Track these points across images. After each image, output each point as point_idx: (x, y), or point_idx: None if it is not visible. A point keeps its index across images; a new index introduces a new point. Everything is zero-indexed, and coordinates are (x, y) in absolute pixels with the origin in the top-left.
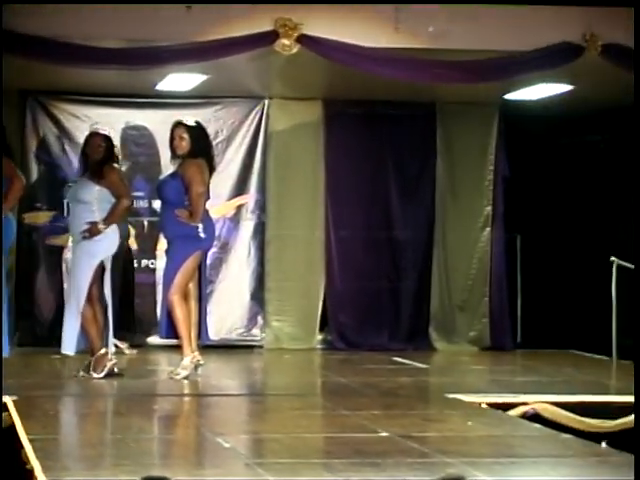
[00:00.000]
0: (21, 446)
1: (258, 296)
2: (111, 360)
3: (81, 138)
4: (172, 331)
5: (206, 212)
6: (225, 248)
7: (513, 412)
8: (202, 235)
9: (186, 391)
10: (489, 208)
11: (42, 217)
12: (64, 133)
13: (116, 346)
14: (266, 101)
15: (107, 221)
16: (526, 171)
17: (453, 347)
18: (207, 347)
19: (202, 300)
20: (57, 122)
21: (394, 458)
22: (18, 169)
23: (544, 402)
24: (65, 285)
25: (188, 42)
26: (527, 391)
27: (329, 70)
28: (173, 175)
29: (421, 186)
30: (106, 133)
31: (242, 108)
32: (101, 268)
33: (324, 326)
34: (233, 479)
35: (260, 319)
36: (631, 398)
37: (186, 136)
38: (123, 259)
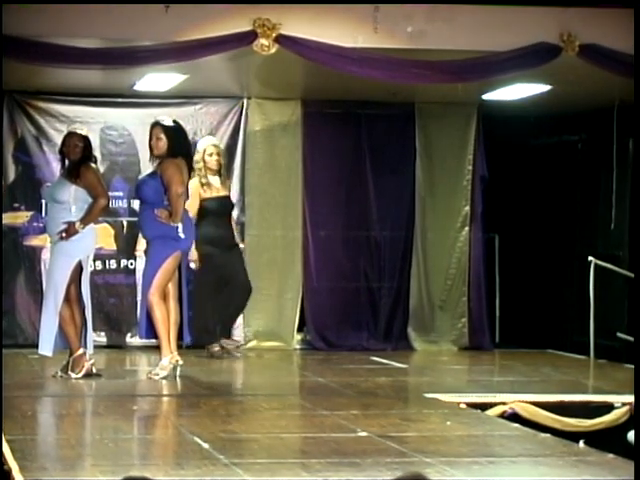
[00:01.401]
0: None
1: None
2: (89, 360)
3: (59, 138)
4: (152, 331)
5: (185, 212)
6: None
7: (491, 412)
8: (181, 235)
9: (165, 391)
10: (467, 208)
11: (20, 217)
12: (42, 133)
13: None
14: (245, 101)
15: (84, 221)
16: (504, 171)
17: (432, 347)
18: (186, 347)
19: (182, 300)
20: (35, 122)
21: (373, 458)
22: None
23: (522, 402)
24: (43, 285)
25: (166, 42)
26: (505, 391)
27: (308, 70)
28: (152, 175)
29: (400, 186)
30: (83, 133)
31: (221, 108)
32: (79, 268)
33: (303, 326)
34: (211, 479)
35: (239, 319)
36: (608, 397)
37: (163, 136)
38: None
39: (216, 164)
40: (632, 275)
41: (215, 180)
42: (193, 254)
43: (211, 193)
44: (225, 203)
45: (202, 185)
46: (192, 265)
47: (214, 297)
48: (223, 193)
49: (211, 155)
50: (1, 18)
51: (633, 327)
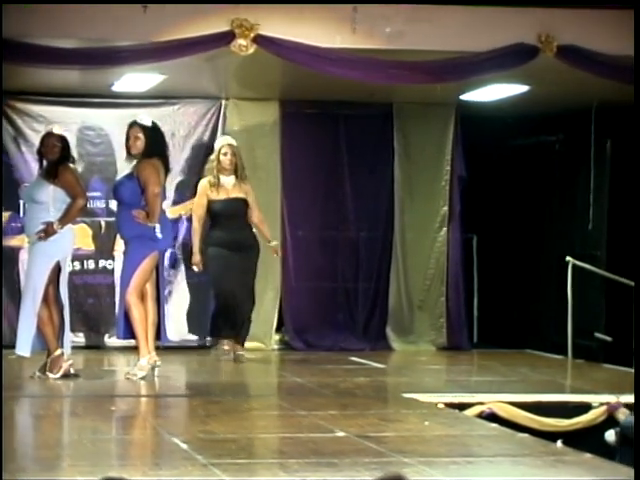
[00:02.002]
0: None
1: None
2: (67, 361)
3: (37, 138)
4: (129, 332)
5: (162, 212)
6: (185, 249)
7: (469, 412)
8: (159, 235)
9: (143, 392)
10: (446, 208)
11: None
12: (20, 133)
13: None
14: (223, 101)
15: (62, 221)
16: (482, 171)
17: (410, 347)
18: (166, 348)
19: (160, 301)
20: (12, 122)
21: (351, 458)
22: None
23: (500, 402)
24: (22, 286)
25: (144, 42)
26: (483, 391)
27: (286, 70)
28: (129, 176)
29: (378, 186)
30: (61, 133)
31: (199, 108)
32: (57, 268)
33: (281, 326)
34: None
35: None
36: (586, 397)
37: (141, 136)
38: None
39: (229, 163)
40: (610, 275)
41: (228, 181)
42: (195, 257)
43: (218, 195)
44: (234, 205)
45: (211, 186)
46: (195, 268)
47: (224, 294)
48: (234, 195)
49: (225, 154)
50: (1, 20)
51: (612, 327)
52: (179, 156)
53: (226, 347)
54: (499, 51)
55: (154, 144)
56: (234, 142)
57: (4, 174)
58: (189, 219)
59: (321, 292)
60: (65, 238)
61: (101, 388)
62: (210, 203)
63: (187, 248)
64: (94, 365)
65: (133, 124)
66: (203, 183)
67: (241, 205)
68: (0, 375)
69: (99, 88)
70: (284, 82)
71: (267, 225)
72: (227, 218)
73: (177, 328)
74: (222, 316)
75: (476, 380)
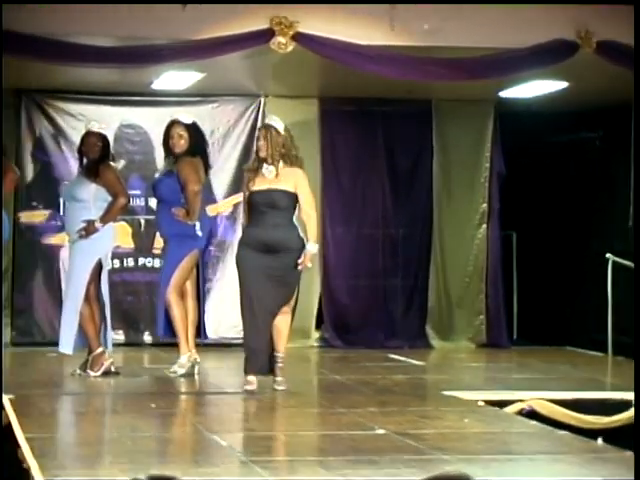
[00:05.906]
0: (18, 445)
1: None
2: (108, 359)
3: (76, 136)
4: (169, 329)
5: (202, 210)
6: (222, 246)
7: (509, 409)
8: (199, 234)
9: (183, 389)
10: (485, 205)
11: (38, 216)
12: (59, 132)
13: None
14: (262, 99)
15: (103, 219)
16: (522, 168)
17: (449, 344)
18: (205, 345)
19: (200, 298)
20: (52, 121)
21: (390, 455)
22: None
23: (540, 399)
24: (62, 284)
25: (183, 40)
26: (523, 388)
27: (324, 68)
28: (168, 173)
29: (417, 183)
30: (102, 132)
31: (238, 106)
32: (99, 266)
33: (320, 324)
34: (229, 478)
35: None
36: (626, 395)
37: (185, 134)
38: None
39: (259, 150)
40: None
41: (269, 169)
42: None
43: (256, 185)
44: (272, 198)
45: (250, 176)
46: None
47: (242, 309)
48: (275, 186)
49: (258, 139)
50: (1, 18)
51: None
52: (218, 154)
53: (249, 379)
54: (538, 48)
55: (197, 143)
56: (274, 122)
57: (44, 172)
58: (228, 217)
59: (361, 290)
60: (106, 236)
61: (141, 385)
62: (250, 194)
63: (224, 246)
64: (134, 363)
65: (175, 123)
66: (245, 175)
67: (282, 198)
68: (0, 374)
69: (138, 86)
70: (323, 80)
71: (314, 225)
72: (262, 213)
73: (215, 326)
74: (245, 344)
75: (516, 377)
